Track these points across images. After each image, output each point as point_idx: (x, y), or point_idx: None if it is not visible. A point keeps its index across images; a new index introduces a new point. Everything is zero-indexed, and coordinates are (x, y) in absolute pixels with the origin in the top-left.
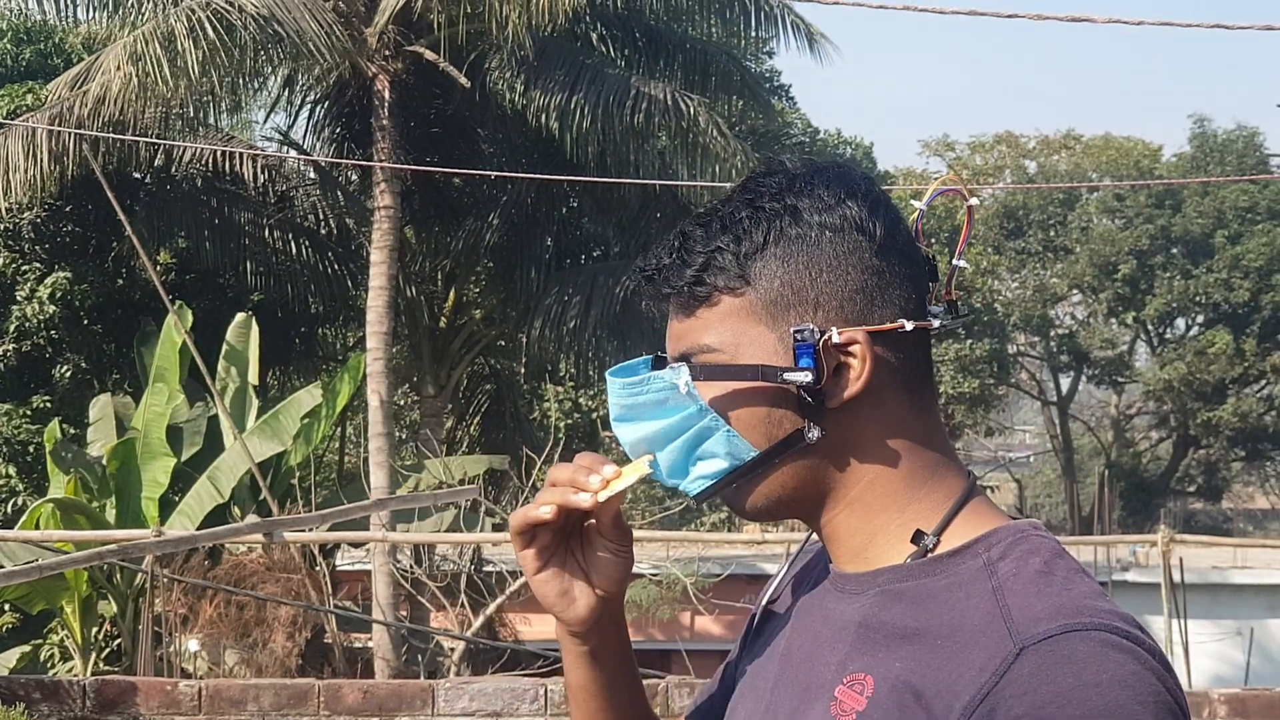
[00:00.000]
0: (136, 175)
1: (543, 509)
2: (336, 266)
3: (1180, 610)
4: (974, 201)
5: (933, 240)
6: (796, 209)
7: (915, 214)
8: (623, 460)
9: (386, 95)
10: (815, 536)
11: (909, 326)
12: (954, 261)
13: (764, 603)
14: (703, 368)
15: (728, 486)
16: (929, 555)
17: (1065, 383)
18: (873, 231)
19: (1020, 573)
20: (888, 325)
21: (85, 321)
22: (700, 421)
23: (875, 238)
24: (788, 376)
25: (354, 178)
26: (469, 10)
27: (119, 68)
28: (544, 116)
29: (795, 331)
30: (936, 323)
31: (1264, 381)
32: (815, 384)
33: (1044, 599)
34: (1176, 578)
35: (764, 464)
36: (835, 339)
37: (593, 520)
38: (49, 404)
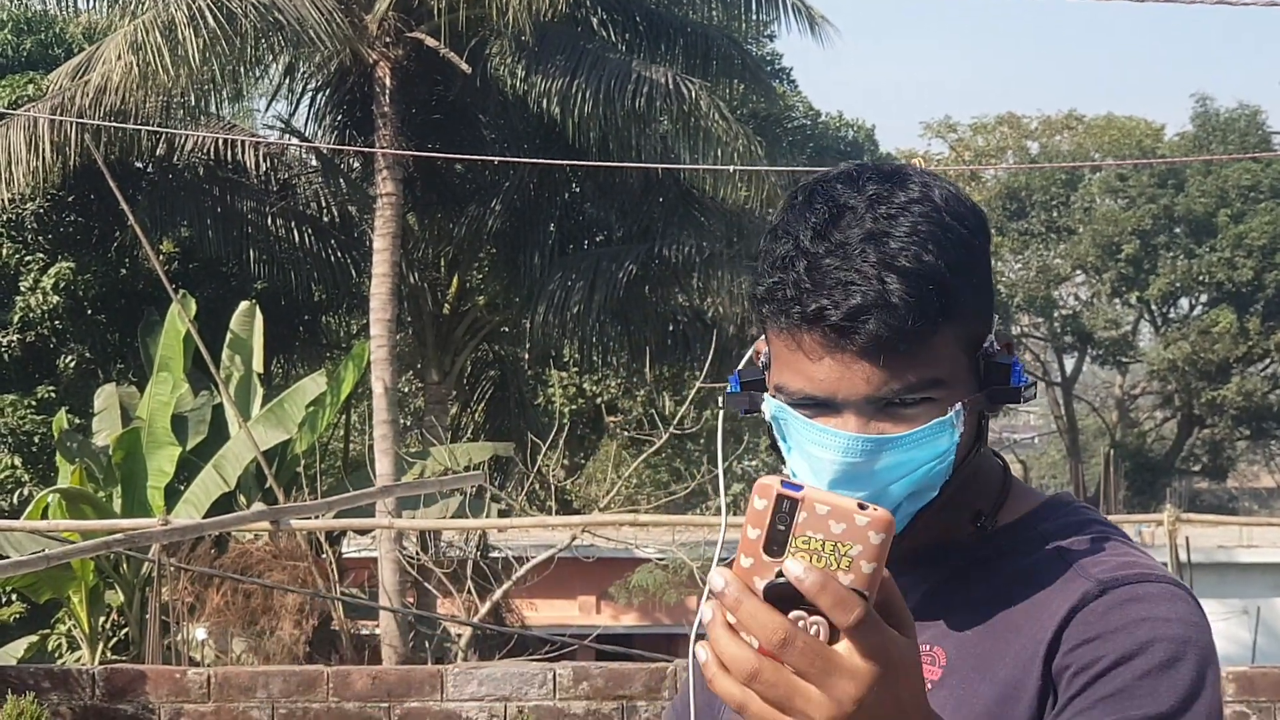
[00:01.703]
0: (138, 164)
1: None
2: (339, 254)
3: None
4: None
5: None
6: (960, 215)
7: None
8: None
9: (388, 82)
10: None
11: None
12: None
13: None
14: (967, 403)
15: (924, 513)
16: (986, 533)
17: (1069, 363)
18: (990, 232)
19: (1082, 539)
20: (1010, 363)
21: (89, 311)
22: (945, 460)
23: (990, 238)
24: (1026, 396)
25: (356, 165)
26: None
27: (120, 57)
28: (545, 102)
29: (988, 349)
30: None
31: (1268, 360)
32: None
33: (1115, 556)
34: (1183, 557)
35: (951, 485)
36: (995, 349)
37: None
38: (54, 394)
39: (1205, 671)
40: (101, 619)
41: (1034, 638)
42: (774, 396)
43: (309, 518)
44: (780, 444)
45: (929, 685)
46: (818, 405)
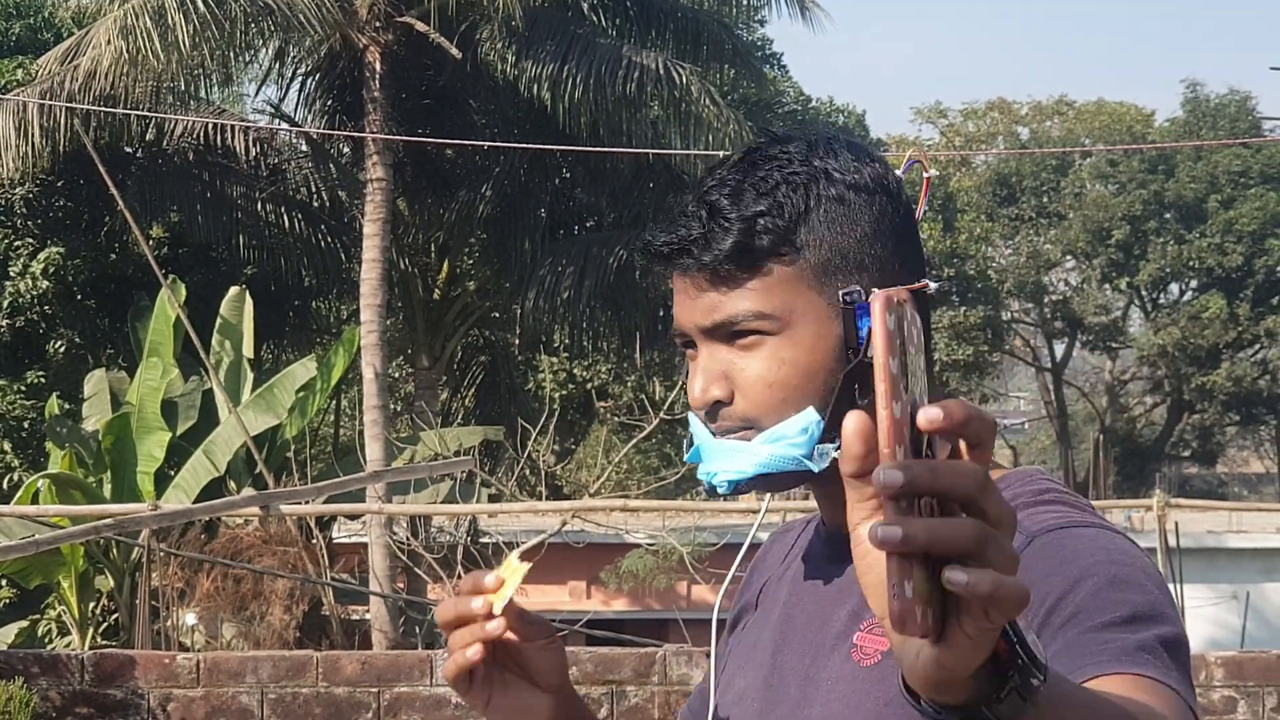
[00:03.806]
0: (128, 149)
1: (469, 652)
2: (329, 239)
3: (1176, 575)
4: (933, 173)
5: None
6: (828, 172)
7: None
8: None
9: (378, 67)
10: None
11: (932, 287)
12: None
13: (739, 605)
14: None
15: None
16: None
17: (1059, 349)
18: (896, 193)
19: (1029, 503)
20: (917, 285)
21: (79, 297)
22: None
23: (900, 199)
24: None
25: (346, 150)
26: None
27: (109, 42)
28: (536, 87)
29: (844, 294)
30: (933, 285)
31: (1258, 345)
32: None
33: (1055, 514)
34: (1172, 542)
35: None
36: (856, 299)
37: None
38: (43, 380)
39: (1152, 582)
40: (91, 604)
41: None
42: None
43: (299, 503)
44: None
45: (878, 656)
46: (685, 340)
